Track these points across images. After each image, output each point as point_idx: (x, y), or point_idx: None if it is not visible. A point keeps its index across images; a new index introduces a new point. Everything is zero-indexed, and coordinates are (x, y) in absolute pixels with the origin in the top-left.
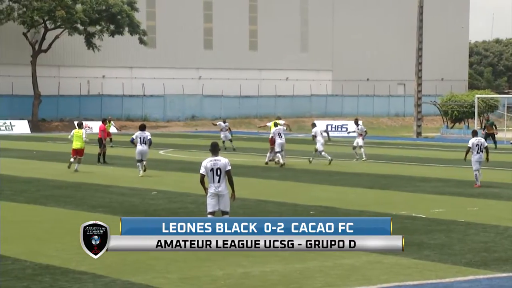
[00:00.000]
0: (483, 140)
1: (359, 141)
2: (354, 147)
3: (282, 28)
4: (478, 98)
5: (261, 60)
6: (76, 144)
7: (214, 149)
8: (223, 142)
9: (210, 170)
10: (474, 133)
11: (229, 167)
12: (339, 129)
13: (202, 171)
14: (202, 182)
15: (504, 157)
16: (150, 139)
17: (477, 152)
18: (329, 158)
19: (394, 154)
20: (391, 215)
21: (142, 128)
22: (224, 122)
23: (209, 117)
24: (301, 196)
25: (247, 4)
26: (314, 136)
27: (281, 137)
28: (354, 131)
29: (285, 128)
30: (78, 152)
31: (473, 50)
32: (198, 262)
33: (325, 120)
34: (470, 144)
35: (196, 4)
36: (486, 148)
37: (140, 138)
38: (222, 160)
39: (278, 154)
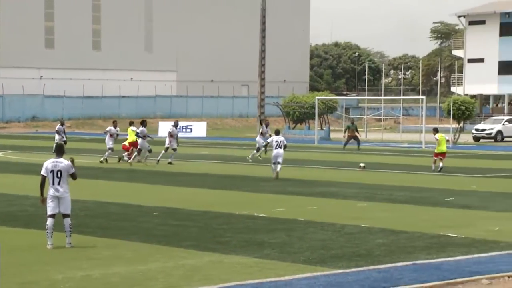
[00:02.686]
0: (283, 138)
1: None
2: (260, 148)
3: (126, 28)
4: (318, 99)
5: (104, 60)
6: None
7: (58, 151)
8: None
9: (51, 172)
10: (277, 132)
11: (72, 170)
12: (184, 130)
13: (43, 172)
14: (42, 183)
15: (342, 157)
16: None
17: (275, 148)
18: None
19: (238, 154)
20: (234, 215)
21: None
22: (62, 124)
23: (50, 118)
24: (145, 198)
25: (90, 3)
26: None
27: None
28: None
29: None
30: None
31: (313, 52)
32: (38, 265)
33: (170, 121)
34: (269, 140)
35: (37, 2)
36: (285, 146)
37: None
38: (64, 162)
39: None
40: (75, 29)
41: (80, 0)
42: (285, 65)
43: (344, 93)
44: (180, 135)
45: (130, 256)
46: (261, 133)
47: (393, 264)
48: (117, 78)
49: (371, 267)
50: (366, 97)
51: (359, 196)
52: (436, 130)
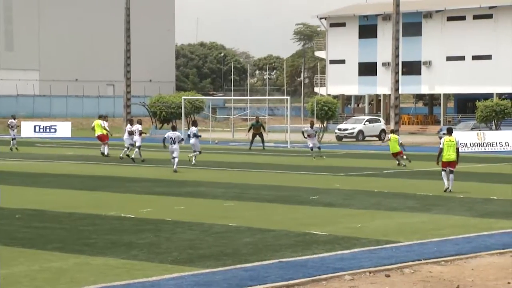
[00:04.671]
0: (178, 134)
1: (315, 141)
2: (312, 148)
3: None
4: (184, 99)
5: None
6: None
7: None
8: None
9: None
10: (173, 128)
11: None
12: (48, 130)
13: None
14: None
15: (210, 157)
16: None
17: (170, 144)
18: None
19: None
20: (100, 216)
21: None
22: None
23: None
24: (7, 200)
25: None
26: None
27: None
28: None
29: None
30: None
31: (179, 52)
32: None
33: (33, 121)
34: (166, 135)
35: None
36: (182, 139)
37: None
38: None
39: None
40: None
41: None
42: (151, 64)
43: (211, 93)
44: (44, 135)
45: None
46: (308, 136)
47: (260, 263)
48: None
49: (238, 265)
50: (232, 97)
51: (226, 195)
52: (391, 132)
